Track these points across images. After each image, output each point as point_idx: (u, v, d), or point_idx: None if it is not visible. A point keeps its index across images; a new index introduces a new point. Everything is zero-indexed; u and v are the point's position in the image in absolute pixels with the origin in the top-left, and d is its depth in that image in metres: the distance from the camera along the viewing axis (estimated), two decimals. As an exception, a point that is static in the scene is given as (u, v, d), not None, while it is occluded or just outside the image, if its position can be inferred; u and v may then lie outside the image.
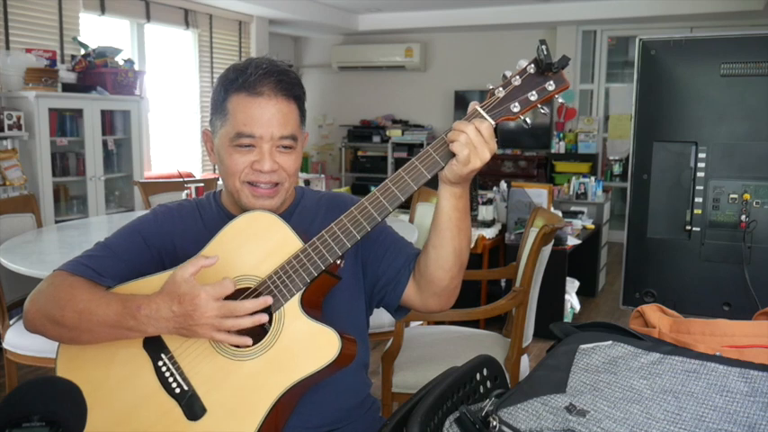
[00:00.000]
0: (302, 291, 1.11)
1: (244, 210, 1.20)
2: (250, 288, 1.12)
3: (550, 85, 1.09)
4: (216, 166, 1.29)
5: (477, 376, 1.09)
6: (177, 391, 1.11)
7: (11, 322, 2.56)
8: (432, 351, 2.28)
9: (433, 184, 1.17)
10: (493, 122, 1.09)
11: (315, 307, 1.15)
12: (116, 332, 1.10)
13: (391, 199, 1.11)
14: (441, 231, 1.18)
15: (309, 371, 1.08)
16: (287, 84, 1.18)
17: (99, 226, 3.39)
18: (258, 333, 1.11)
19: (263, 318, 1.06)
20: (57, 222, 4.04)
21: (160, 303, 1.06)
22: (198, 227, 1.28)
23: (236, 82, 1.17)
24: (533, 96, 1.09)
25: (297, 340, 1.10)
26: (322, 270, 1.11)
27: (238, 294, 1.11)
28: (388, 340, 2.26)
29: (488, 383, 1.10)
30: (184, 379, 1.11)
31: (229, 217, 1.24)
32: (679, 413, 0.87)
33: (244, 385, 1.09)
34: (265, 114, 1.16)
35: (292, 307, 1.11)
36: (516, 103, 1.10)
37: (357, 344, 1.15)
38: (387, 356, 2.17)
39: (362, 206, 1.12)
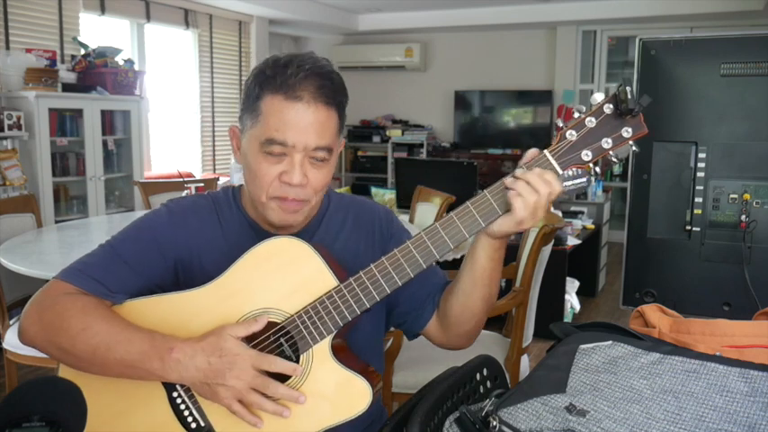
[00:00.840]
0: (333, 334, 1.04)
1: (268, 222, 1.14)
2: (277, 324, 1.05)
3: (627, 132, 0.96)
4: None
5: (477, 376, 1.09)
6: (193, 426, 1.05)
7: (11, 322, 2.56)
8: (432, 351, 2.26)
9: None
10: (561, 171, 1.00)
11: (341, 349, 1.09)
12: (133, 372, 1.02)
13: (440, 245, 1.02)
14: (473, 279, 1.13)
15: (337, 420, 1.03)
16: (330, 89, 1.07)
17: (99, 226, 3.39)
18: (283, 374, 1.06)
19: (286, 412, 1.01)
20: (57, 222, 4.04)
21: (197, 351, 0.99)
22: (215, 233, 1.18)
23: (274, 81, 1.05)
24: (607, 144, 0.97)
25: (325, 386, 1.04)
26: (357, 315, 1.04)
27: (265, 330, 1.05)
28: (388, 340, 2.25)
29: (488, 383, 1.10)
30: (201, 414, 1.05)
31: (250, 224, 1.19)
32: (679, 413, 0.87)
33: (266, 427, 1.03)
34: (302, 122, 1.05)
35: (321, 350, 1.04)
36: (588, 151, 0.97)
37: (379, 376, 1.11)
38: (387, 356, 2.16)
39: (407, 249, 1.03)
